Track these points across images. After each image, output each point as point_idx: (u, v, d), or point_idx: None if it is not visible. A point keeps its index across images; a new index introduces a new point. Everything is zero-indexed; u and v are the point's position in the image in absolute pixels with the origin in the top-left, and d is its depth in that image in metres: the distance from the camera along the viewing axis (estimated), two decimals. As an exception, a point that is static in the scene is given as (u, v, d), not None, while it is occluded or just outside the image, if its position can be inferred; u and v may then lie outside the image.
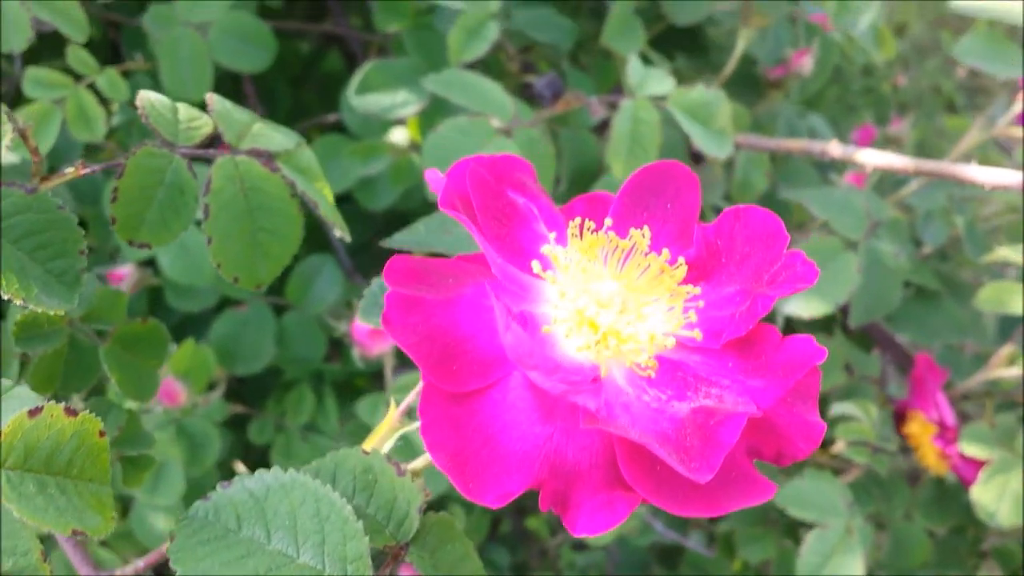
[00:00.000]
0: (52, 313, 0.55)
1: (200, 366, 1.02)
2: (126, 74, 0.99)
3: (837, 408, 0.99)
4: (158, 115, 0.52)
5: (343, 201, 1.20)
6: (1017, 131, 0.91)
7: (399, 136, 1.01)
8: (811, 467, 0.98)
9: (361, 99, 0.95)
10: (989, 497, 0.90)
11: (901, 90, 2.02)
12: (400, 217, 1.10)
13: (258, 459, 1.21)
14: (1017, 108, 0.90)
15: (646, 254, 0.37)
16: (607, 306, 0.36)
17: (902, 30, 2.03)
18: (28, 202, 0.48)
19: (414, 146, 1.01)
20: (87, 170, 0.52)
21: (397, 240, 0.52)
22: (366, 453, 0.41)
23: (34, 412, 0.36)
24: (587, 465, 0.34)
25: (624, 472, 0.33)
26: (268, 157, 0.54)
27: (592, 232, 0.37)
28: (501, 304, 0.33)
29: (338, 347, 1.21)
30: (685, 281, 0.38)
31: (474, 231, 0.35)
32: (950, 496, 1.01)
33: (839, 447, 1.00)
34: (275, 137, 0.54)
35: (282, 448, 1.14)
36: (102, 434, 0.38)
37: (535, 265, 0.36)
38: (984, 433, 0.92)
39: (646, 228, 0.38)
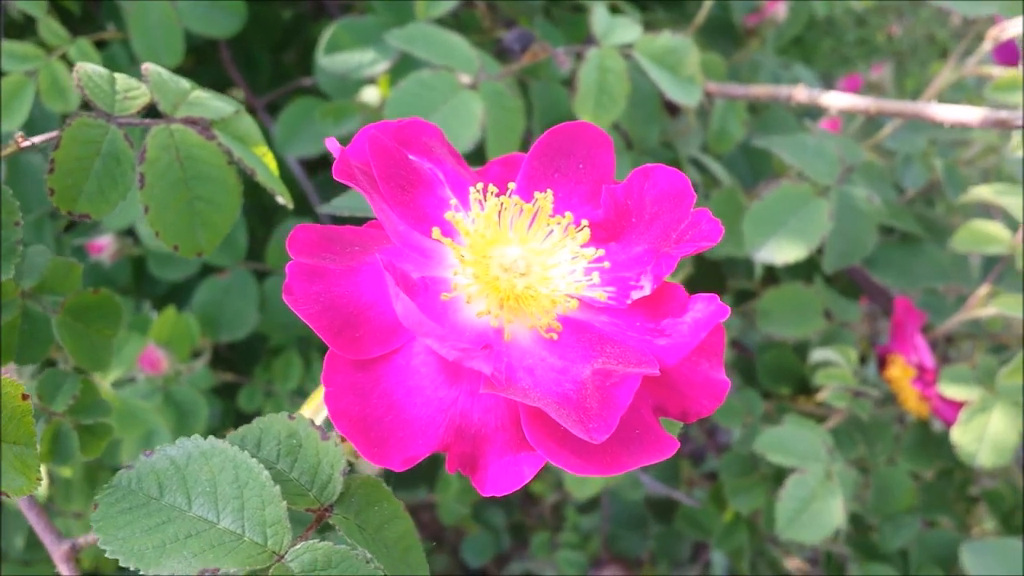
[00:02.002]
0: (4, 285, 0.56)
1: (182, 334, 1.03)
2: (100, 44, 0.99)
3: (817, 354, 0.99)
4: (94, 86, 0.52)
5: (321, 165, 1.20)
6: (985, 69, 0.90)
7: (370, 95, 1.00)
8: (793, 414, 0.98)
9: (330, 59, 0.95)
10: (969, 438, 0.90)
11: (895, 40, 2.00)
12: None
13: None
14: (986, 47, 0.89)
15: (551, 216, 0.37)
16: (509, 271, 0.36)
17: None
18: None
19: (385, 104, 1.01)
20: (26, 143, 0.52)
21: (335, 205, 0.52)
22: (292, 419, 0.42)
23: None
24: (493, 427, 0.35)
25: (527, 434, 0.33)
26: (204, 125, 0.53)
27: (496, 195, 0.37)
28: (393, 270, 0.33)
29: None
30: (593, 242, 0.38)
31: (370, 198, 0.35)
32: (934, 440, 1.01)
33: (822, 395, 1.00)
34: (212, 105, 0.54)
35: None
36: (25, 397, 0.38)
37: (435, 231, 0.36)
38: (963, 374, 0.92)
39: (549, 191, 0.37)
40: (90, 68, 0.53)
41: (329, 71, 0.96)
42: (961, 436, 0.90)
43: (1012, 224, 0.90)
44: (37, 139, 0.53)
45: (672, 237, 0.37)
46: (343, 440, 0.43)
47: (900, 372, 0.97)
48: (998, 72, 0.88)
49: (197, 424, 1.04)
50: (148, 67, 0.54)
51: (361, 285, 0.35)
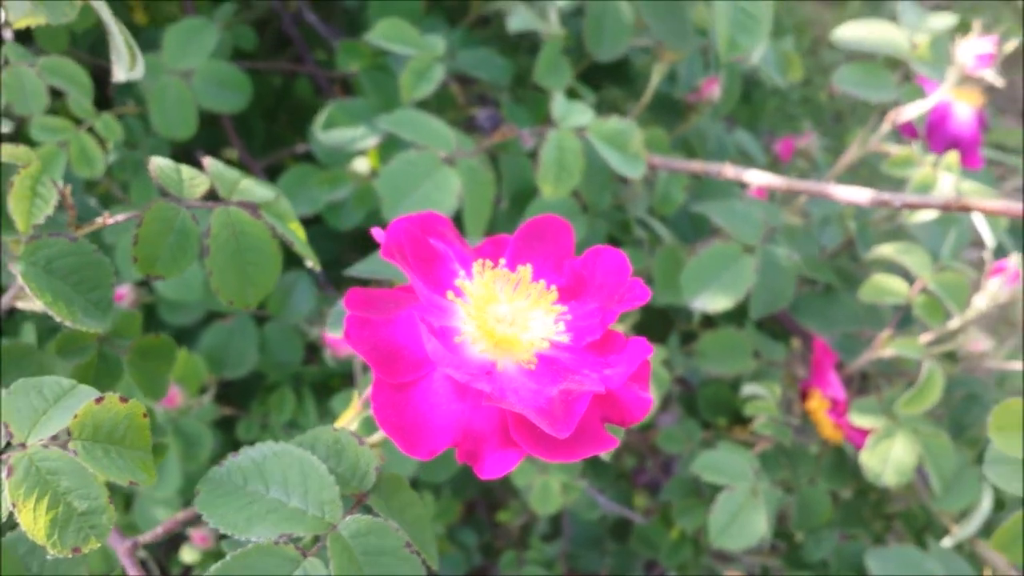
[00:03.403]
0: (85, 331, 0.70)
1: (193, 372, 1.17)
2: (119, 117, 1.13)
3: (747, 389, 1.15)
4: (167, 176, 0.67)
5: (314, 222, 1.35)
6: (886, 147, 1.07)
7: (361, 165, 1.16)
8: (727, 441, 1.14)
9: (326, 134, 1.10)
10: (876, 461, 1.06)
11: (837, 98, 2.17)
12: (364, 235, 1.26)
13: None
14: (886, 128, 1.06)
15: (530, 283, 0.53)
16: (501, 321, 0.51)
17: (836, 47, 2.20)
18: (71, 247, 0.63)
19: (374, 173, 1.16)
20: (112, 220, 0.67)
21: (357, 269, 0.67)
22: (336, 430, 0.57)
23: (99, 400, 0.51)
24: (489, 431, 0.50)
25: (513, 434, 0.48)
26: (253, 207, 0.69)
27: (491, 268, 0.53)
28: (424, 322, 0.48)
29: (314, 352, 1.36)
30: (559, 301, 0.53)
31: (406, 271, 0.50)
32: (847, 462, 1.17)
33: (753, 425, 1.16)
34: (258, 191, 0.69)
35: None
36: (145, 416, 0.52)
37: (449, 294, 0.51)
38: (870, 405, 1.08)
39: (529, 265, 0.53)
40: (162, 161, 0.68)
41: (325, 144, 1.11)
42: (868, 459, 1.06)
43: (912, 278, 1.07)
44: (120, 217, 0.68)
45: (615, 298, 0.53)
46: (373, 446, 0.58)
47: (817, 404, 1.13)
48: (895, 150, 1.05)
49: (203, 452, 1.18)
50: (208, 160, 0.70)
51: (396, 331, 0.50)
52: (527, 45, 1.32)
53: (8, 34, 0.94)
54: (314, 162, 1.22)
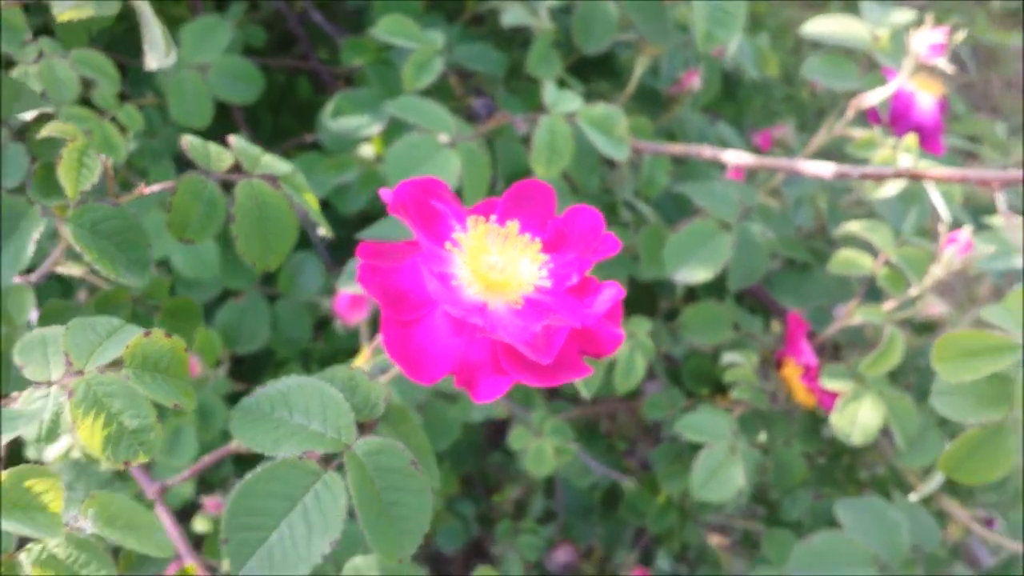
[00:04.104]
0: (121, 291, 0.79)
1: (210, 345, 1.25)
2: (139, 108, 1.22)
3: (727, 357, 1.23)
4: (197, 151, 0.76)
5: (321, 207, 1.43)
6: (852, 131, 1.16)
7: (366, 151, 1.24)
8: (707, 405, 1.22)
9: (335, 122, 1.19)
10: (844, 422, 1.14)
11: (819, 96, 2.25)
12: (368, 218, 1.34)
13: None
14: (851, 114, 1.15)
15: (517, 236, 0.61)
16: (492, 268, 0.59)
17: (818, 44, 2.28)
18: (114, 212, 0.71)
19: (378, 159, 1.25)
20: (149, 190, 0.75)
21: (366, 234, 0.75)
22: (350, 368, 0.65)
23: (147, 334, 0.59)
24: (482, 361, 0.58)
25: (503, 363, 0.57)
26: (274, 180, 0.77)
27: (483, 223, 0.61)
28: (427, 267, 0.57)
29: (322, 330, 1.44)
30: (543, 251, 0.62)
31: (410, 224, 0.59)
32: (819, 425, 1.25)
33: (733, 393, 1.24)
34: (278, 165, 0.78)
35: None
36: (186, 350, 0.61)
37: (447, 245, 0.60)
38: (839, 371, 1.16)
39: (516, 221, 0.61)
40: (192, 139, 0.77)
41: (333, 132, 1.20)
42: (838, 420, 1.14)
43: (877, 252, 1.15)
44: (156, 187, 0.76)
45: (591, 249, 0.61)
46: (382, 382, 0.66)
47: (791, 371, 1.21)
48: (858, 133, 1.13)
49: (216, 424, 1.26)
50: (233, 139, 0.78)
51: (402, 277, 0.59)
52: (519, 40, 1.41)
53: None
54: (320, 150, 1.31)
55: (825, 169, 0.95)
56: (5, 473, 0.47)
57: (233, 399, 1.40)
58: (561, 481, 1.54)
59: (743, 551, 1.48)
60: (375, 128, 1.19)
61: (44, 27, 1.09)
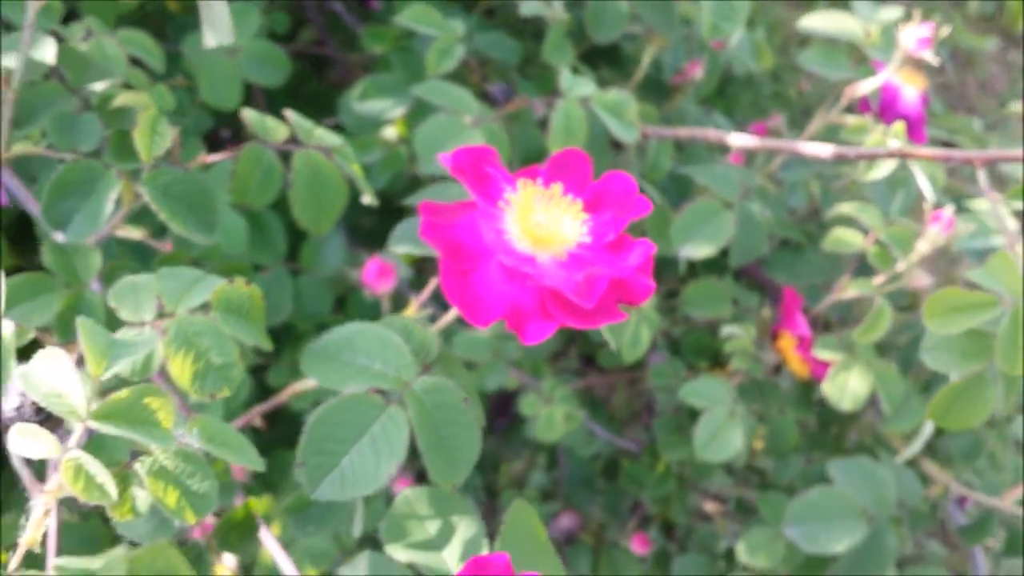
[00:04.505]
0: (182, 253, 0.86)
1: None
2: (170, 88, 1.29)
3: (726, 330, 1.31)
4: (256, 124, 0.83)
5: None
6: (844, 118, 1.24)
7: (389, 133, 1.31)
8: (707, 374, 1.30)
9: (361, 105, 1.26)
10: (835, 389, 1.22)
11: (806, 94, 2.33)
12: (387, 199, 1.42)
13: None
14: (844, 102, 1.24)
15: (560, 197, 0.69)
16: (539, 225, 0.67)
17: (805, 42, 2.36)
18: (184, 176, 0.78)
19: (401, 140, 1.32)
20: (212, 159, 0.82)
21: (420, 196, 0.82)
22: (405, 317, 0.73)
23: (230, 281, 0.67)
24: (530, 307, 0.66)
25: (549, 308, 0.64)
26: (327, 150, 0.84)
27: (531, 185, 0.69)
28: (483, 222, 0.64)
29: (341, 305, 1.51)
30: (583, 211, 0.69)
31: (467, 185, 0.66)
32: (812, 393, 1.34)
33: (732, 366, 1.32)
34: (330, 138, 0.85)
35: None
36: (261, 298, 0.68)
37: (500, 203, 0.67)
38: (831, 342, 1.24)
39: (560, 184, 0.69)
40: (251, 112, 0.84)
41: (360, 114, 1.27)
42: (829, 388, 1.22)
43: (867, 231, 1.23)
44: (218, 156, 0.83)
45: (626, 209, 0.69)
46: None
47: (786, 343, 1.30)
48: (851, 120, 1.21)
49: (242, 393, 1.33)
50: (289, 113, 0.85)
51: (459, 231, 0.66)
52: (530, 31, 1.48)
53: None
54: (343, 132, 1.38)
55: (824, 149, 1.04)
56: (125, 391, 0.54)
57: (253, 372, 1.47)
58: (564, 452, 1.62)
59: (738, 517, 1.56)
60: (399, 111, 1.26)
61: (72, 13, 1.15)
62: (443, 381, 0.68)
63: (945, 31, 1.18)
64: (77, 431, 0.53)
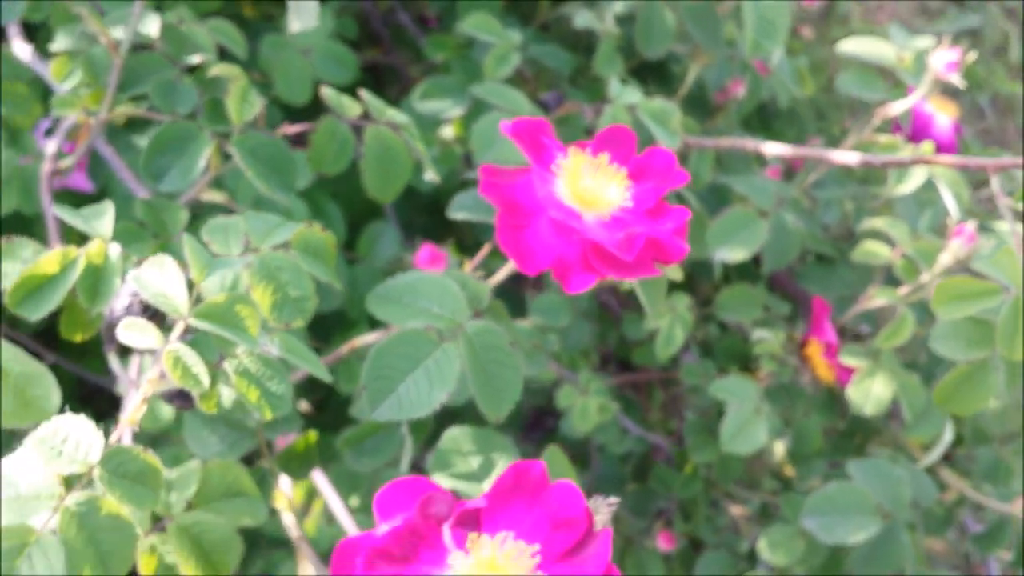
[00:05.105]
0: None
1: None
2: (248, 83, 1.39)
3: (756, 334, 1.38)
4: (332, 100, 0.92)
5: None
6: (876, 137, 1.31)
7: (446, 132, 1.40)
8: (736, 374, 1.37)
9: (422, 104, 1.35)
10: (859, 395, 1.28)
11: (849, 131, 2.38)
12: (439, 197, 1.50)
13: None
14: (875, 122, 1.31)
15: (607, 166, 0.77)
16: (586, 189, 0.75)
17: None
18: (269, 141, 0.87)
19: (456, 140, 1.41)
20: (292, 129, 0.91)
21: (481, 159, 0.91)
22: (459, 271, 0.81)
23: (307, 225, 0.75)
24: (575, 259, 0.73)
25: (591, 260, 0.72)
26: (396, 127, 0.93)
27: (580, 154, 0.77)
28: (539, 182, 0.72)
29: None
30: (627, 179, 0.77)
31: (524, 151, 0.74)
32: (836, 399, 1.40)
33: (761, 371, 1.39)
34: (399, 116, 0.94)
35: (345, 372, 1.51)
36: (333, 244, 0.77)
37: (552, 168, 0.75)
38: (857, 350, 1.31)
39: (606, 154, 0.77)
40: (328, 90, 0.93)
41: (420, 113, 1.36)
42: (853, 393, 1.28)
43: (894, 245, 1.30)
44: (297, 128, 0.92)
45: (666, 180, 0.77)
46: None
47: (814, 349, 1.36)
48: (883, 138, 1.28)
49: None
50: (363, 92, 0.94)
51: (515, 191, 0.74)
52: (582, 46, 1.57)
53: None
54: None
55: (851, 158, 1.11)
56: (221, 296, 0.62)
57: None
58: (597, 451, 1.68)
59: (761, 521, 1.61)
60: (456, 111, 1.35)
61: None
62: (492, 325, 0.76)
63: (972, 56, 1.25)
64: (178, 328, 0.62)
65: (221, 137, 0.88)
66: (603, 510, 0.66)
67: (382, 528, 0.60)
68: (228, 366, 0.64)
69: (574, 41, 1.55)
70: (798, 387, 1.39)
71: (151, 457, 0.59)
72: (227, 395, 0.65)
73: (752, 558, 1.52)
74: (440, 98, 1.36)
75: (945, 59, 1.23)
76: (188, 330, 0.62)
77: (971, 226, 1.18)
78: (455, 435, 0.80)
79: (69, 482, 0.57)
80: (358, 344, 0.91)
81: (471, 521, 0.62)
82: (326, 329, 1.60)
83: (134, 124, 1.30)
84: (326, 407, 1.68)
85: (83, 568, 0.56)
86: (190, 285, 0.63)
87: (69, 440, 0.58)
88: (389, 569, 0.59)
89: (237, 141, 0.86)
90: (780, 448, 1.45)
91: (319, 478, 0.94)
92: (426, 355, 0.74)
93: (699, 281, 1.53)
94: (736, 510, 1.60)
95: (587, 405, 1.37)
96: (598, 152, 0.78)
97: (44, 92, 1.14)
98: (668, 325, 1.34)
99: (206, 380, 0.60)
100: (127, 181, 1.03)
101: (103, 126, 0.90)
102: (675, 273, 0.82)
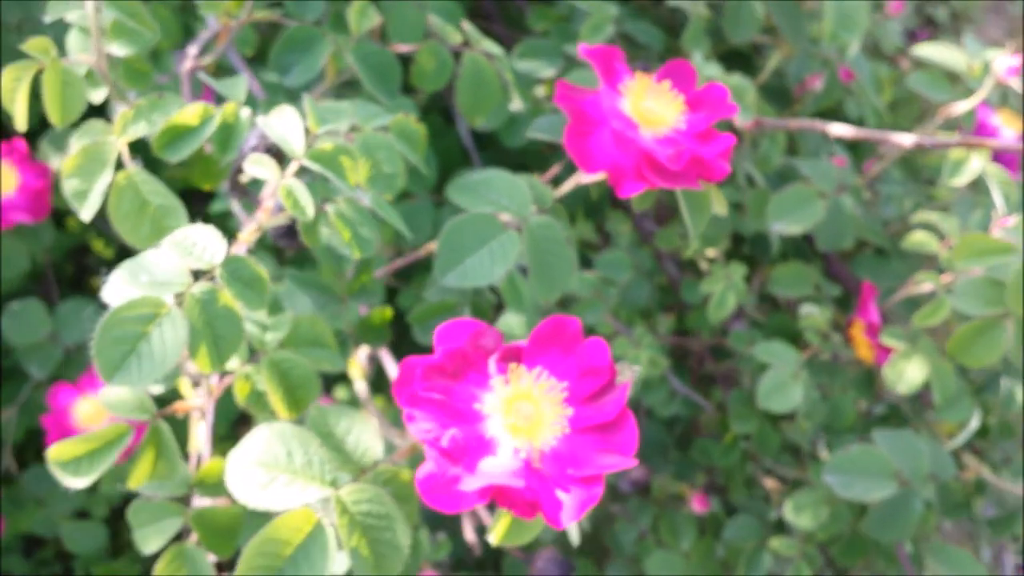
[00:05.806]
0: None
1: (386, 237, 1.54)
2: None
3: (804, 309, 1.47)
4: (438, 27, 1.05)
5: (488, 139, 1.72)
6: (938, 134, 1.39)
7: (538, 91, 1.52)
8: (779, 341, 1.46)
9: (519, 62, 1.47)
10: (893, 374, 1.36)
11: (926, 151, 2.44)
12: (525, 159, 1.63)
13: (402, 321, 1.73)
14: (939, 120, 1.39)
15: (668, 91, 0.88)
16: (647, 110, 0.86)
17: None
18: (377, 50, 1.01)
19: (547, 98, 1.53)
20: (401, 48, 1.04)
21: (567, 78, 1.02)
22: (530, 176, 0.93)
23: (406, 114, 0.88)
24: (628, 167, 0.84)
25: (643, 170, 0.83)
26: (489, 56, 1.06)
27: (644, 78, 0.88)
28: (606, 98, 0.84)
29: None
30: (684, 106, 0.88)
31: (597, 71, 0.86)
32: (873, 378, 1.48)
33: (806, 337, 1.48)
34: (493, 47, 1.06)
35: (419, 313, 1.64)
36: (424, 134, 0.89)
37: (620, 87, 0.87)
38: (897, 332, 1.39)
39: (668, 81, 0.88)
40: (435, 18, 1.06)
41: (517, 71, 1.48)
42: (888, 372, 1.36)
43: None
44: (405, 48, 1.05)
45: (717, 111, 0.88)
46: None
47: (858, 329, 1.45)
48: (942, 136, 1.37)
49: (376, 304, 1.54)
50: (465, 24, 1.07)
51: (583, 104, 0.86)
52: (677, 28, 1.68)
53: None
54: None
55: (906, 139, 1.20)
56: (329, 143, 0.75)
57: (388, 294, 1.69)
58: (645, 413, 1.78)
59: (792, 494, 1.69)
60: (550, 72, 1.47)
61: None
62: (552, 221, 0.88)
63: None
64: (292, 167, 0.75)
65: (341, 44, 1.01)
66: (627, 372, 0.77)
67: (439, 350, 0.72)
68: (329, 208, 0.76)
69: (669, 23, 1.67)
70: (839, 364, 1.48)
71: (261, 268, 0.72)
72: (325, 234, 0.78)
73: (780, 527, 1.60)
74: (535, 59, 1.48)
75: (1007, 64, 1.31)
76: (301, 171, 0.75)
77: (1015, 220, 1.26)
78: (510, 322, 0.92)
79: (196, 275, 0.70)
80: (432, 248, 1.03)
81: (513, 357, 0.73)
82: (405, 271, 1.73)
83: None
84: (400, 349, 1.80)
85: (200, 345, 0.69)
86: (307, 133, 0.76)
87: (198, 244, 0.71)
88: (441, 381, 0.71)
89: (355, 48, 0.99)
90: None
91: (386, 357, 1.07)
92: (491, 237, 0.86)
93: (759, 262, 1.63)
94: (769, 483, 1.69)
95: (639, 357, 1.47)
96: (661, 80, 0.90)
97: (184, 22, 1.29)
98: (722, 290, 1.44)
99: (311, 211, 0.73)
100: (253, 92, 1.17)
101: (241, 29, 1.04)
102: (719, 205, 0.92)
